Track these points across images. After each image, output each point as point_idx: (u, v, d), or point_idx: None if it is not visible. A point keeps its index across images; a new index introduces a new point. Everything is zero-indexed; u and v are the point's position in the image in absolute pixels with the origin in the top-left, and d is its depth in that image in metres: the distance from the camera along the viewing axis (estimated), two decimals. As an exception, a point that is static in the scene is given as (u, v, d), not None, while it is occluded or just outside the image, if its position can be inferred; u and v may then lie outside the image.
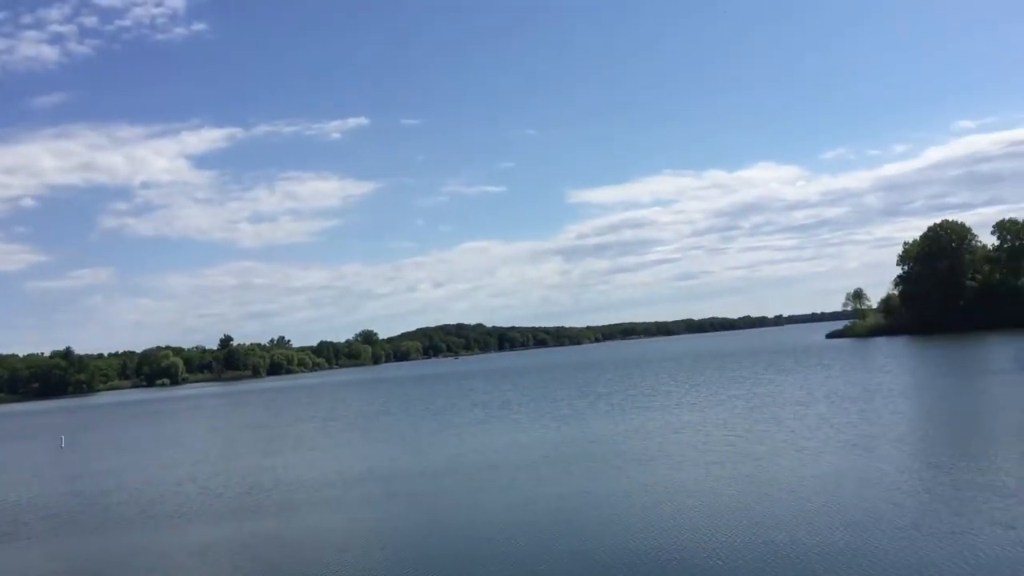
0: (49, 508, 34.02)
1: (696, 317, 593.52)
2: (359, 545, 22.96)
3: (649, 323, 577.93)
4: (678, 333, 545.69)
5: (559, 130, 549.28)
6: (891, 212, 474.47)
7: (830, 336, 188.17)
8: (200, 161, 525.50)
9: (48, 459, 56.98)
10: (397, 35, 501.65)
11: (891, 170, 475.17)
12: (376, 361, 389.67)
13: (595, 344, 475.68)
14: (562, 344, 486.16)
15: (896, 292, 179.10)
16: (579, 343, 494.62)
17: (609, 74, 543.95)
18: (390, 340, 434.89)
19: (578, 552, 19.81)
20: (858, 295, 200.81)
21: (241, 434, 62.74)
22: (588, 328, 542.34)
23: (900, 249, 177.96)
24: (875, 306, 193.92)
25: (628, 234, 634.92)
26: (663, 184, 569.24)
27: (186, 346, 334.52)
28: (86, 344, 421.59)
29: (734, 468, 29.13)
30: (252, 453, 48.15)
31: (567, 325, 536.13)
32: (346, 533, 24.67)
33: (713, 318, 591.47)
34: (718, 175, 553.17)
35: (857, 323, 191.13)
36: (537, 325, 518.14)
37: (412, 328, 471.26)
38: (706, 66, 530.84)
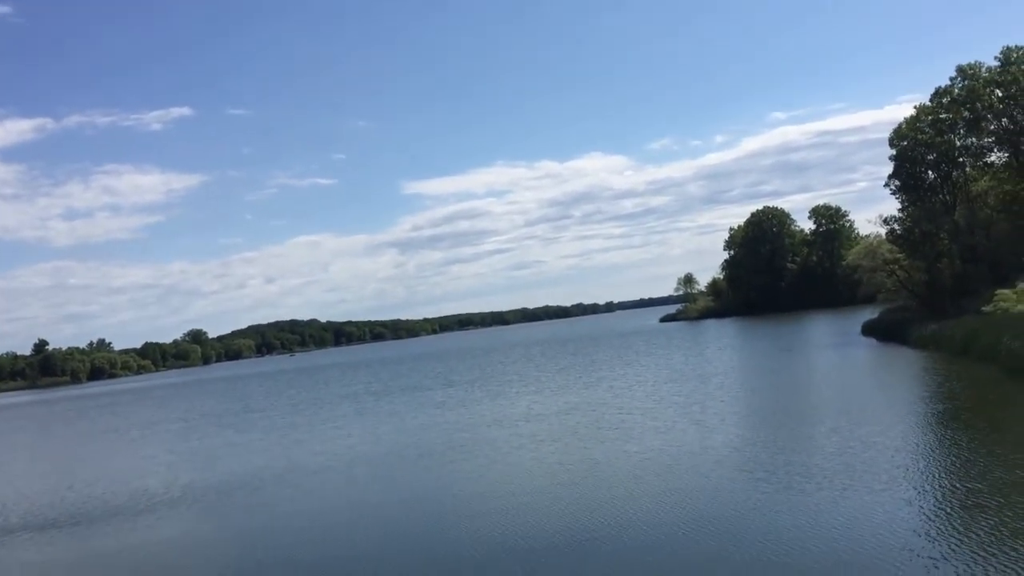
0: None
1: (531, 306, 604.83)
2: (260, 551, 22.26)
3: (485, 313, 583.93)
4: (514, 322, 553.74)
5: (391, 121, 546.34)
6: (711, 200, 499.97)
7: (664, 320, 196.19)
8: (5, 154, 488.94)
9: None
10: (220, 21, 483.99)
11: (712, 159, 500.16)
12: (207, 361, 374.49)
13: (433, 336, 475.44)
14: (400, 337, 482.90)
15: (722, 276, 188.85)
16: (417, 335, 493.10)
17: (440, 66, 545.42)
18: (220, 339, 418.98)
19: (515, 532, 20.00)
20: (688, 280, 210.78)
21: (97, 441, 58.86)
22: (425, 320, 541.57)
23: (723, 235, 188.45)
24: (703, 290, 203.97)
25: (463, 225, 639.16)
26: (496, 175, 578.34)
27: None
28: None
29: (642, 443, 30.06)
30: (122, 457, 45.50)
31: (404, 318, 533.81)
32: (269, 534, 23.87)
33: (547, 306, 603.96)
34: (550, 165, 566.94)
35: (688, 306, 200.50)
36: (373, 319, 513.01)
37: (243, 326, 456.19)
38: (536, 59, 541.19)
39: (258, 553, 21.20)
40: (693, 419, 34.13)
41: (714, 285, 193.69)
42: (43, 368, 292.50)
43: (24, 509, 31.79)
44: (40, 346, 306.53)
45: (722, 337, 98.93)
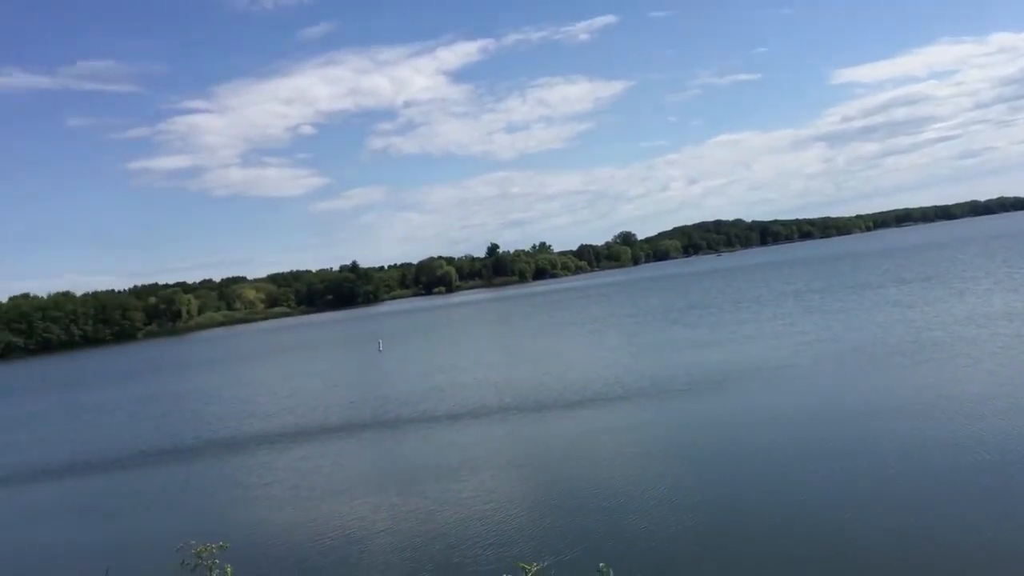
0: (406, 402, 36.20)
1: (981, 198, 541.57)
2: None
3: (927, 207, 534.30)
4: (960, 216, 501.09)
5: (818, 5, 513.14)
6: None
7: None
8: (456, 76, 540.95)
9: (372, 361, 60.40)
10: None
11: None
12: (636, 262, 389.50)
13: (867, 233, 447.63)
14: (829, 235, 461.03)
15: None
16: (848, 233, 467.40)
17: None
18: (648, 240, 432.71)
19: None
20: None
21: (558, 333, 64.25)
22: (857, 217, 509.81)
23: None
24: None
25: (900, 113, 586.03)
26: (939, 54, 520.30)
27: (455, 255, 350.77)
28: (364, 258, 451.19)
29: None
30: (586, 348, 49.16)
31: (833, 215, 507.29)
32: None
33: (1002, 198, 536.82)
34: (1004, 38, 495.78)
35: None
36: (799, 217, 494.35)
37: (668, 227, 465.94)
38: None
39: (731, 445, 21.65)
40: None
41: None
42: (496, 269, 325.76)
43: (514, 392, 35.61)
44: (492, 249, 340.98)
45: None
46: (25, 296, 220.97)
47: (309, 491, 22.91)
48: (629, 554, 14.54)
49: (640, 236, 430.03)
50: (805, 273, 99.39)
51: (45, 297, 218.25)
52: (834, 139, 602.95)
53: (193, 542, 9.25)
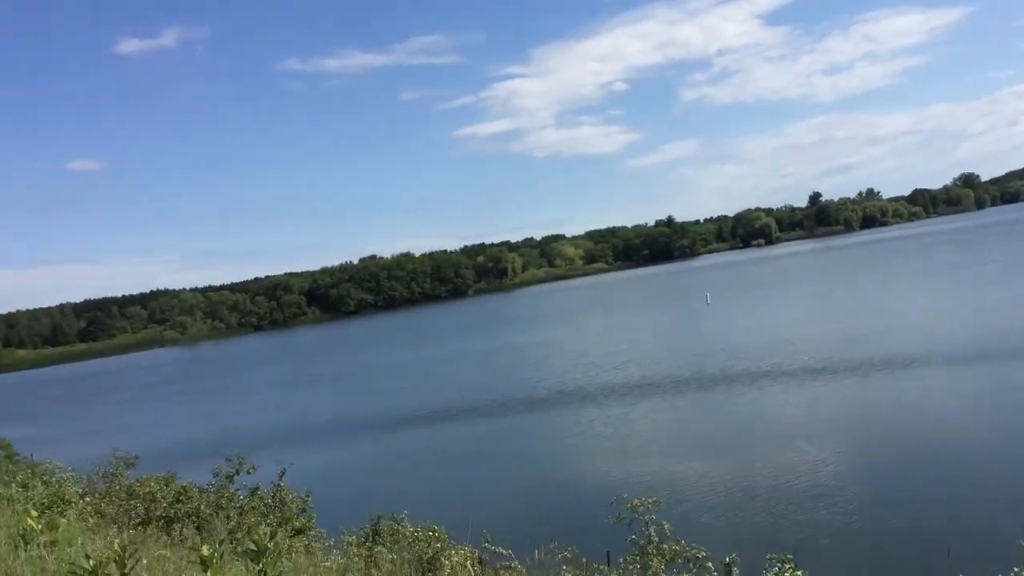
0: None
1: None
2: None
3: None
4: None
5: None
6: None
7: None
8: (771, 18, 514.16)
9: (702, 314, 58.95)
10: None
11: None
12: (980, 206, 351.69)
13: None
14: None
15: None
16: None
17: None
18: (994, 181, 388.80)
19: None
20: None
21: (918, 281, 59.08)
22: None
23: None
24: None
25: None
26: None
27: (773, 206, 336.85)
28: (679, 212, 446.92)
29: None
30: (958, 300, 44.68)
31: None
32: None
33: None
34: None
35: None
36: None
37: (1018, 166, 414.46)
38: None
39: None
40: None
41: None
42: (818, 219, 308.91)
43: (879, 347, 32.86)
44: (815, 198, 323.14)
45: None
46: (372, 258, 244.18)
47: (673, 445, 22.37)
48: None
49: (984, 177, 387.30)
50: None
51: (389, 258, 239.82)
52: None
53: (626, 496, 8.90)
